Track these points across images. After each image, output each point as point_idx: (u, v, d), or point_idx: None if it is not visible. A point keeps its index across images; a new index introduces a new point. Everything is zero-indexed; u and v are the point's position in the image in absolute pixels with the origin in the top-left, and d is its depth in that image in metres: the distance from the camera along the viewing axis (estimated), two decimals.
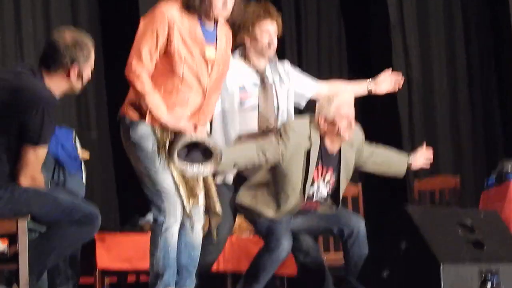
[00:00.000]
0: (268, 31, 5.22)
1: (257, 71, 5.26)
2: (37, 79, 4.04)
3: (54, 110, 3.99)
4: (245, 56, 5.27)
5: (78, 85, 4.14)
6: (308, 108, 5.55)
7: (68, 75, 4.07)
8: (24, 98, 3.94)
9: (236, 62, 5.21)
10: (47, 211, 4.06)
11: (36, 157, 4.01)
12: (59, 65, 4.06)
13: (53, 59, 4.06)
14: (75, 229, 4.09)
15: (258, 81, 5.23)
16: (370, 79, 5.53)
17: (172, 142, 4.33)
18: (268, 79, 5.26)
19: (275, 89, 5.27)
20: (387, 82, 5.51)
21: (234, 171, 5.16)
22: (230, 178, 5.20)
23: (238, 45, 5.29)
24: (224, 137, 5.15)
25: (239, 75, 5.19)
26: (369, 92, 5.51)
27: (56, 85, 4.07)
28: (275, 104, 5.26)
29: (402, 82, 5.55)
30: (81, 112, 7.18)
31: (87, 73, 4.13)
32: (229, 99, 5.14)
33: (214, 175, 4.90)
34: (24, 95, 3.94)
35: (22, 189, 4.02)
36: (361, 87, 5.51)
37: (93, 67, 4.17)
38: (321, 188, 5.19)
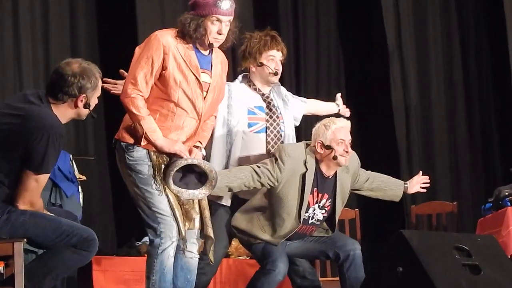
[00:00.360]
0: (274, 59, 5.30)
1: (263, 96, 5.31)
2: (45, 106, 4.05)
3: (61, 139, 3.99)
4: (250, 82, 5.33)
5: (84, 113, 4.15)
6: None
7: (76, 104, 4.09)
8: (30, 126, 3.94)
9: (242, 87, 5.32)
10: (44, 235, 4.04)
11: (37, 184, 4.00)
12: (66, 95, 4.07)
13: (60, 89, 4.07)
14: (72, 252, 4.08)
15: (264, 105, 5.29)
16: (336, 101, 5.78)
17: (167, 165, 4.34)
18: (274, 103, 5.32)
19: (281, 114, 5.33)
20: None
21: (230, 193, 5.20)
22: (227, 201, 5.22)
23: (243, 71, 5.37)
24: (226, 160, 5.20)
25: (247, 99, 5.28)
26: (338, 111, 5.76)
27: (63, 113, 4.08)
28: (282, 128, 5.31)
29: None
30: (80, 136, 7.19)
31: (94, 102, 4.16)
32: (234, 122, 5.20)
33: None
34: (31, 123, 3.94)
35: (19, 212, 4.00)
36: (332, 106, 5.77)
37: (99, 94, 4.18)
38: (317, 213, 5.19)
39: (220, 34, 4.39)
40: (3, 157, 3.97)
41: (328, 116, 5.40)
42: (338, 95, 5.82)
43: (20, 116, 3.98)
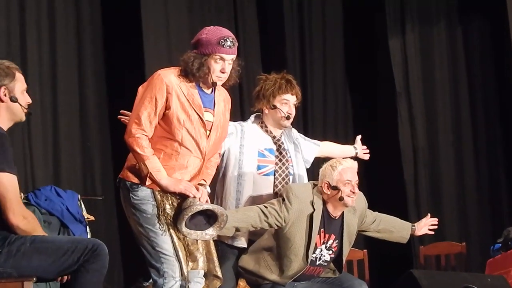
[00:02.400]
0: (288, 102, 5.33)
1: (274, 138, 5.33)
2: None
3: (5, 140, 3.98)
4: (262, 123, 5.36)
5: (16, 108, 4.13)
6: None
7: (1, 99, 4.10)
8: None
9: (254, 127, 5.34)
10: (48, 258, 3.99)
11: (5, 187, 3.95)
12: None
13: None
14: (87, 273, 3.99)
15: (274, 148, 5.31)
16: (355, 144, 5.79)
17: (182, 209, 4.33)
18: (284, 147, 5.34)
19: (290, 157, 5.34)
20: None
21: (246, 235, 5.20)
22: (243, 242, 5.23)
23: (256, 111, 5.39)
24: (236, 202, 5.22)
25: (258, 140, 5.30)
26: (355, 154, 5.74)
27: None
28: (291, 172, 5.32)
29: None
30: (87, 176, 7.20)
31: (22, 96, 4.15)
32: (246, 162, 5.22)
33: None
34: None
35: (18, 242, 3.98)
36: (349, 150, 5.76)
37: (25, 87, 4.17)
38: (324, 254, 5.19)
39: (223, 72, 4.40)
40: None
41: None
42: (358, 137, 5.82)
43: None
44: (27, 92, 4.22)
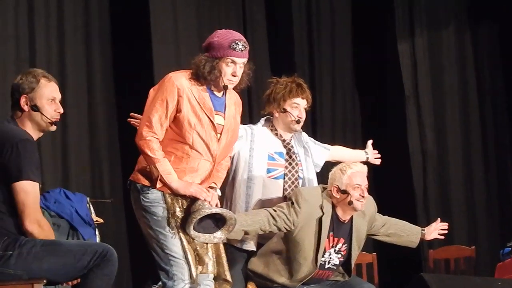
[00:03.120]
0: (298, 106, 5.33)
1: (284, 142, 5.33)
2: (10, 123, 4.08)
3: (28, 143, 3.97)
4: (272, 126, 5.35)
5: (38, 118, 4.10)
6: None
7: (21, 107, 4.08)
8: None
9: (264, 131, 5.34)
10: (58, 261, 3.98)
11: (26, 194, 3.95)
12: (15, 104, 4.10)
13: (12, 101, 4.11)
14: (96, 278, 3.99)
15: (284, 152, 5.31)
16: (366, 149, 5.76)
17: (191, 212, 4.33)
18: (294, 150, 5.33)
19: (300, 161, 5.33)
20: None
21: (256, 238, 5.19)
22: (252, 245, 5.22)
23: (266, 114, 5.39)
24: (245, 205, 5.21)
25: (268, 143, 5.29)
26: (366, 159, 5.72)
27: (25, 124, 4.09)
28: (301, 176, 5.31)
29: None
30: (95, 179, 7.21)
31: (45, 104, 4.11)
32: (256, 166, 5.21)
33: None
34: None
35: (29, 245, 3.97)
36: (360, 154, 5.73)
37: (52, 96, 4.13)
38: (333, 257, 5.18)
39: (234, 76, 4.39)
40: None
41: None
42: (369, 142, 5.80)
43: None
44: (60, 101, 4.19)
